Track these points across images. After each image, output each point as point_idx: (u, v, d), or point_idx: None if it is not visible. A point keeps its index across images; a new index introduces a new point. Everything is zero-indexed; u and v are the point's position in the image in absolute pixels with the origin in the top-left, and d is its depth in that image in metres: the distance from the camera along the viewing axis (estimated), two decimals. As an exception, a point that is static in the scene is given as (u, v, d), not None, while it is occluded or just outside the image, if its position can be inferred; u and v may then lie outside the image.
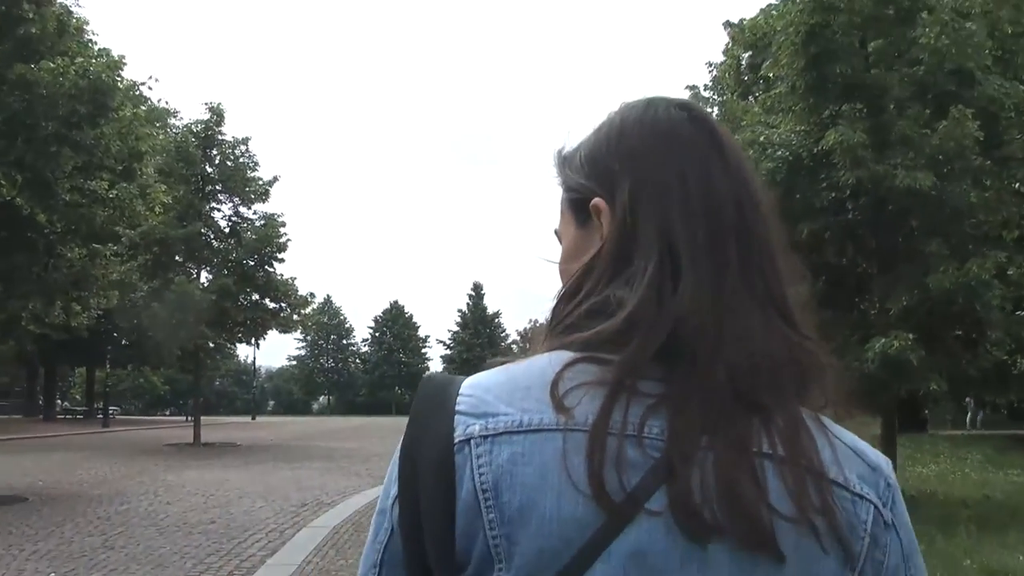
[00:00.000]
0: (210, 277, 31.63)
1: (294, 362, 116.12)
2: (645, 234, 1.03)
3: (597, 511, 0.92)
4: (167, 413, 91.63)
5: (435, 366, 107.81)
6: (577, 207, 1.13)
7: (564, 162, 1.18)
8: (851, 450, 1.04)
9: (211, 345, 31.91)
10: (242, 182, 31.75)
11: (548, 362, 1.01)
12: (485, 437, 0.97)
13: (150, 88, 48.66)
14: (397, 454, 1.04)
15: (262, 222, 32.57)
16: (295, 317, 33.47)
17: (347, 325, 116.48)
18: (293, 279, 32.88)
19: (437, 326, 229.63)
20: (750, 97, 22.59)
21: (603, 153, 1.12)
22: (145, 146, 18.40)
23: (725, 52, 31.09)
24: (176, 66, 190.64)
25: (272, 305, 32.77)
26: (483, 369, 1.07)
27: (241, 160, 32.05)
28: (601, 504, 0.91)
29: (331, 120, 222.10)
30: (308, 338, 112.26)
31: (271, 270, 32.30)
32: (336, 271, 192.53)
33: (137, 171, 18.63)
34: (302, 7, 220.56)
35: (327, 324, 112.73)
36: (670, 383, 0.97)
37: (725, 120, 16.75)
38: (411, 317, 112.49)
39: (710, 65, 30.14)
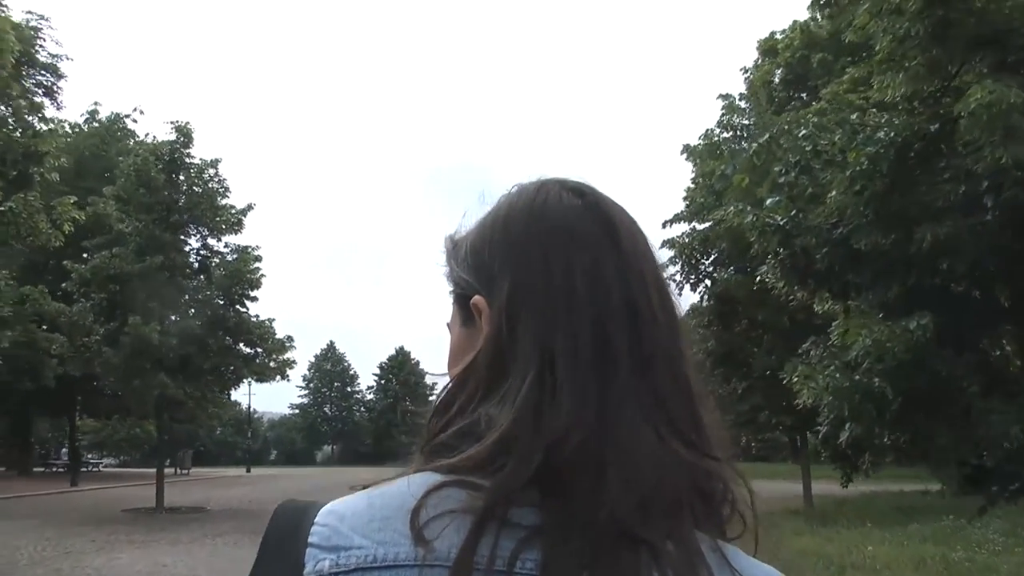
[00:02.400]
0: (175, 319, 27.61)
1: (296, 410, 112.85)
2: (523, 344, 0.93)
3: None
4: (167, 463, 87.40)
5: None
6: (461, 304, 1.05)
7: (454, 251, 1.08)
8: None
9: (185, 394, 27.78)
10: (211, 210, 27.81)
11: (409, 487, 0.92)
12: (336, 574, 0.89)
13: (135, 121, 45.81)
14: None
15: (234, 256, 28.71)
16: (271, 364, 29.42)
17: (351, 372, 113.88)
18: (270, 321, 29.01)
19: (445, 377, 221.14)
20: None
21: (484, 245, 1.03)
22: (46, 146, 14.51)
23: (756, 69, 28.10)
24: (140, 83, 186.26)
25: (247, 350, 28.82)
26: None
27: (210, 185, 28.10)
28: None
29: (317, 147, 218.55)
30: (311, 385, 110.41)
31: (244, 310, 28.38)
32: (341, 315, 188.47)
33: (35, 177, 14.74)
34: (276, 22, 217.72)
35: (330, 371, 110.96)
36: (547, 512, 0.87)
37: (759, 132, 13.27)
38: (417, 363, 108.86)
39: (745, 71, 26.54)
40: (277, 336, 29.21)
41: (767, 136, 10.59)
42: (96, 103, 48.43)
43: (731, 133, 24.57)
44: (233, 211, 28.52)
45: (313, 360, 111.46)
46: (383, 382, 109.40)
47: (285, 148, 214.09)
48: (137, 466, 79.91)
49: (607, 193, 1.07)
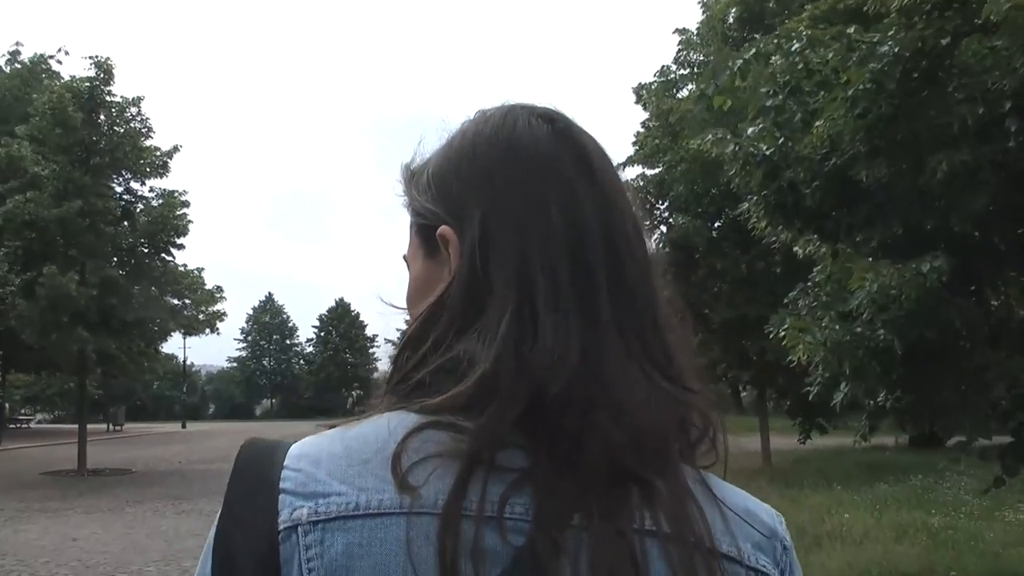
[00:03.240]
0: (96, 268, 25.72)
1: (234, 363, 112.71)
2: (499, 277, 0.90)
3: None
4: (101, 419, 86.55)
5: (383, 366, 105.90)
6: (424, 235, 1.01)
7: (412, 179, 1.04)
8: (742, 516, 0.93)
9: (115, 348, 25.95)
10: (134, 152, 25.80)
11: (388, 428, 0.88)
12: (315, 523, 0.84)
13: (59, 62, 43.30)
14: (210, 542, 0.88)
15: (159, 201, 26.81)
16: (200, 316, 27.75)
17: (290, 324, 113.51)
18: (199, 270, 27.39)
19: (386, 325, 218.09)
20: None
21: (451, 174, 0.99)
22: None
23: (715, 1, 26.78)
24: (66, 23, 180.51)
25: (174, 302, 27.12)
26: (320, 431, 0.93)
27: (132, 125, 26.05)
28: None
29: (261, 92, 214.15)
30: (249, 338, 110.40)
31: (170, 259, 26.66)
32: (281, 267, 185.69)
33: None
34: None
35: (269, 323, 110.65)
36: (535, 454, 0.85)
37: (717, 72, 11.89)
38: (358, 315, 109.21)
39: (703, 3, 25.10)
40: (206, 287, 27.59)
41: (753, 52, 9.15)
42: (18, 43, 45.91)
43: (688, 70, 23.31)
44: (158, 153, 26.64)
45: (251, 312, 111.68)
46: (323, 334, 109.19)
47: (224, 90, 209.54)
48: (72, 422, 78.22)
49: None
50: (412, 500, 0.83)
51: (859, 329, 8.03)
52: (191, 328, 28.44)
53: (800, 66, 9.10)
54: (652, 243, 1.01)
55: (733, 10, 25.16)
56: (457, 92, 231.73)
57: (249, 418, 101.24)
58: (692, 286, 22.31)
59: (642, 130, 25.10)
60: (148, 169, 26.51)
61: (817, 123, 8.76)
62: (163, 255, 26.66)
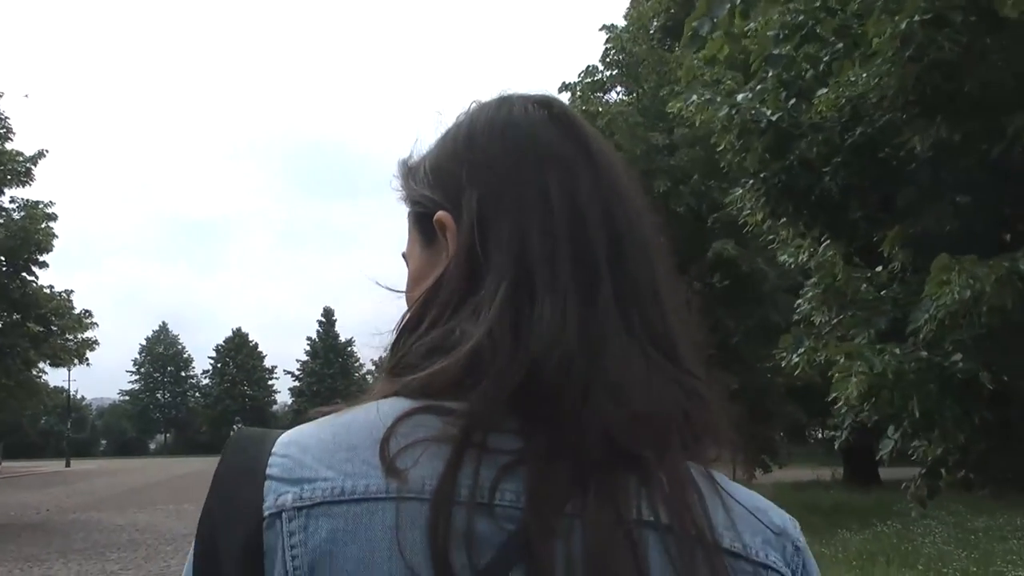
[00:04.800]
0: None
1: (126, 396, 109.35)
2: (497, 254, 0.89)
3: None
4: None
5: (283, 399, 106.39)
6: (422, 223, 1.01)
7: (409, 173, 1.04)
8: (750, 511, 0.90)
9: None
10: (-10, 157, 22.91)
11: (378, 413, 0.86)
12: (299, 509, 0.82)
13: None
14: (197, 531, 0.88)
15: (20, 213, 24.00)
16: (69, 345, 24.63)
17: (185, 355, 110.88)
18: (68, 292, 24.29)
19: (285, 356, 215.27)
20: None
21: (449, 160, 0.99)
22: None
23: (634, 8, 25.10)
24: None
25: (37, 328, 23.97)
26: (312, 418, 0.91)
27: (-13, 126, 23.14)
28: None
29: (160, 109, 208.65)
30: (142, 370, 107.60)
31: (32, 279, 23.64)
32: (176, 296, 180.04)
33: None
34: None
35: (163, 354, 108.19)
36: (529, 436, 0.83)
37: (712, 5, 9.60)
38: (256, 346, 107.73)
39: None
40: (75, 311, 24.50)
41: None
42: None
43: (616, 71, 21.13)
44: (20, 159, 23.87)
45: (144, 343, 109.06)
46: (219, 366, 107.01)
47: (124, 113, 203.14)
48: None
49: None
50: (400, 485, 0.80)
51: (924, 354, 5.72)
52: (57, 359, 25.22)
53: (817, 2, 6.87)
54: (656, 227, 0.97)
55: (655, 20, 23.34)
56: (361, 117, 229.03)
57: (142, 454, 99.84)
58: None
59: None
60: (8, 176, 23.56)
61: (848, 75, 6.51)
62: (24, 274, 23.70)
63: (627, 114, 18.93)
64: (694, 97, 7.65)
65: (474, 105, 1.03)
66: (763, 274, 18.79)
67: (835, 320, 7.15)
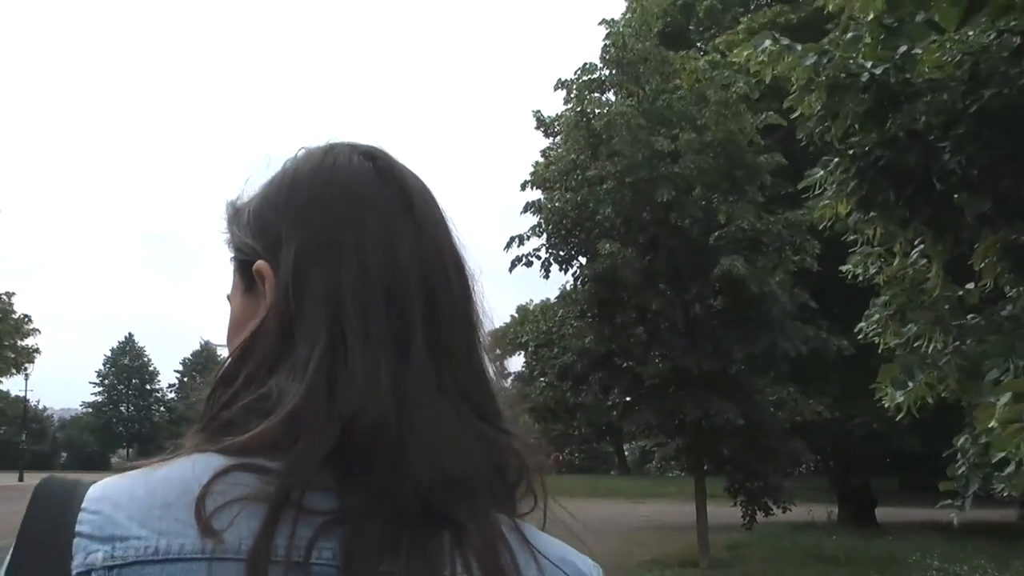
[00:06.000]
0: None
1: (89, 409, 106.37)
2: (312, 313, 0.89)
3: None
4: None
5: None
6: (243, 270, 0.99)
7: (235, 217, 1.02)
8: (555, 564, 0.91)
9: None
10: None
11: (193, 470, 0.84)
12: (111, 568, 0.80)
13: None
14: None
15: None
16: (8, 353, 22.56)
17: (151, 368, 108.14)
18: (9, 295, 22.18)
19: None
20: None
21: (269, 209, 0.98)
22: None
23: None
24: None
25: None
26: (124, 470, 0.89)
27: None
28: None
29: (134, 118, 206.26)
30: (106, 382, 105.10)
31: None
32: (142, 307, 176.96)
33: None
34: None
35: (128, 366, 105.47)
36: (345, 495, 0.83)
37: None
38: (225, 360, 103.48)
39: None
40: (14, 315, 22.43)
41: None
42: None
43: (616, 70, 19.28)
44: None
45: (109, 354, 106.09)
46: (186, 380, 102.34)
47: (89, 120, 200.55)
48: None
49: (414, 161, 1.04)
50: (215, 545, 0.79)
51: None
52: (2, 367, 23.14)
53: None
54: (477, 285, 0.97)
55: (658, 20, 21.67)
56: (334, 126, 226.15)
57: (104, 469, 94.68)
58: (618, 330, 18.20)
59: (541, 160, 21.16)
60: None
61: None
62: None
63: (628, 115, 17.04)
64: (767, 43, 5.74)
65: (302, 151, 1.01)
66: (773, 296, 16.93)
67: (951, 347, 5.33)
